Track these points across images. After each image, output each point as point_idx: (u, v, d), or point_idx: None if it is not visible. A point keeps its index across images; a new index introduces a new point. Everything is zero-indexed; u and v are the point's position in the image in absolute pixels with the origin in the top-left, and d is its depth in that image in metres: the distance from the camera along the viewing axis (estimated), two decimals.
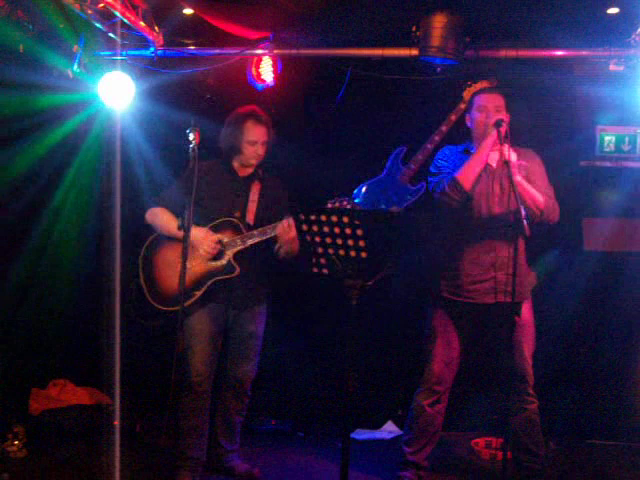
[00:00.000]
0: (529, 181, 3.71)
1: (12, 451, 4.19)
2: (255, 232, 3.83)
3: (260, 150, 3.91)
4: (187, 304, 3.71)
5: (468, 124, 3.90)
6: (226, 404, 4.04)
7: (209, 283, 3.81)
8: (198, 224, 3.79)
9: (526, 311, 3.78)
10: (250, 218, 3.92)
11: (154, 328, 4.09)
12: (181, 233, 3.58)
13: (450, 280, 3.80)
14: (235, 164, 3.97)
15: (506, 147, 3.51)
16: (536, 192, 3.66)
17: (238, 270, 3.81)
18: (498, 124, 3.58)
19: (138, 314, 3.94)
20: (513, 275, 3.42)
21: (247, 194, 3.95)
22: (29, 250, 4.74)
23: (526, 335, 3.77)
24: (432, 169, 3.90)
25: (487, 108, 3.76)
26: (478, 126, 3.79)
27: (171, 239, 3.86)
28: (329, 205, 3.66)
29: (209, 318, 3.85)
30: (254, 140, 3.88)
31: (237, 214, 3.90)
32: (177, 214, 3.82)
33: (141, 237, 4.01)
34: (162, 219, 3.91)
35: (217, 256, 3.84)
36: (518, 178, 3.58)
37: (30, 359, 4.77)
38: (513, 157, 3.56)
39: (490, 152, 3.69)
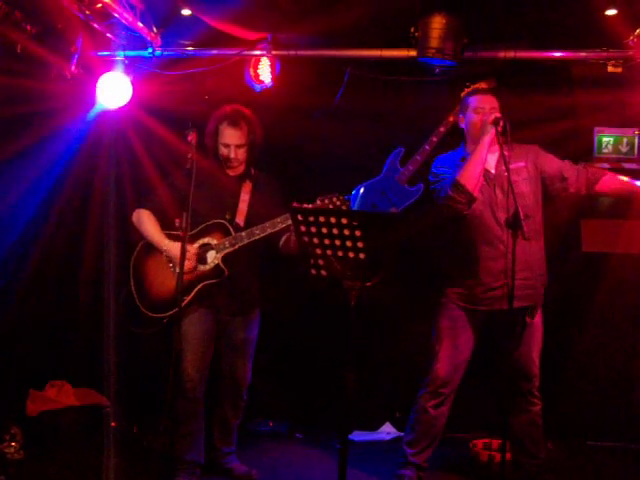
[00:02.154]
0: (545, 172, 3.76)
1: (9, 453, 4.16)
2: (243, 234, 3.79)
3: (233, 153, 3.86)
4: (177, 310, 3.65)
5: (462, 125, 3.89)
6: (222, 409, 4.04)
7: (198, 287, 3.78)
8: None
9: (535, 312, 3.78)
10: (240, 219, 3.87)
11: (147, 334, 4.07)
12: (162, 243, 3.77)
13: (464, 289, 3.78)
14: (223, 164, 3.95)
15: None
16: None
17: (227, 273, 3.77)
18: (496, 122, 3.57)
19: (130, 321, 3.93)
20: (512, 279, 3.40)
21: (238, 194, 3.92)
22: (32, 255, 4.74)
23: (535, 336, 3.77)
24: (431, 177, 3.87)
25: (484, 109, 3.75)
26: (474, 127, 3.77)
27: None
28: (318, 202, 3.61)
29: (200, 323, 3.82)
30: (227, 143, 3.86)
31: (227, 215, 3.86)
32: (164, 216, 3.83)
33: (134, 242, 4.00)
34: (146, 226, 3.89)
35: (205, 260, 3.81)
36: None
37: (27, 360, 4.75)
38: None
39: (488, 155, 3.68)
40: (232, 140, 3.85)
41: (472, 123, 3.79)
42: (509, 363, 3.66)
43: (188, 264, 3.71)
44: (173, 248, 3.76)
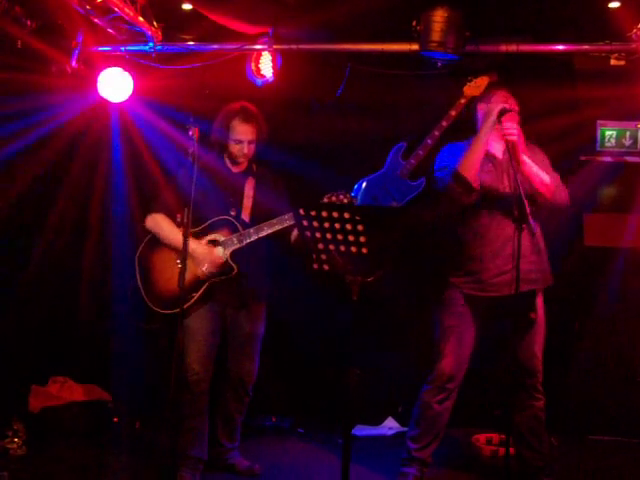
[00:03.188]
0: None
1: (12, 448, 4.18)
2: (252, 230, 3.79)
3: (246, 149, 3.86)
4: (185, 306, 3.65)
5: (481, 112, 3.82)
6: (227, 404, 4.04)
7: (207, 284, 3.77)
8: (194, 222, 3.69)
9: (539, 307, 3.77)
10: (246, 215, 3.87)
11: (153, 330, 4.07)
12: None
13: (472, 275, 3.74)
14: (227, 160, 3.95)
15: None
16: (542, 172, 3.65)
17: (236, 270, 3.77)
18: (502, 112, 3.57)
19: (136, 316, 3.91)
20: (517, 265, 3.40)
21: (242, 190, 3.91)
22: (34, 251, 4.74)
23: (538, 332, 3.75)
24: (436, 165, 3.84)
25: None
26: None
27: None
28: (325, 199, 3.62)
29: (206, 318, 3.82)
30: (239, 139, 3.85)
31: (233, 212, 3.86)
32: (171, 214, 3.80)
33: (139, 237, 3.99)
34: (165, 229, 3.84)
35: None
36: (524, 157, 3.57)
37: (30, 356, 4.76)
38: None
39: (494, 142, 3.67)
40: (245, 136, 3.85)
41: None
42: (512, 358, 3.65)
43: (210, 268, 3.72)
44: (198, 247, 3.74)
